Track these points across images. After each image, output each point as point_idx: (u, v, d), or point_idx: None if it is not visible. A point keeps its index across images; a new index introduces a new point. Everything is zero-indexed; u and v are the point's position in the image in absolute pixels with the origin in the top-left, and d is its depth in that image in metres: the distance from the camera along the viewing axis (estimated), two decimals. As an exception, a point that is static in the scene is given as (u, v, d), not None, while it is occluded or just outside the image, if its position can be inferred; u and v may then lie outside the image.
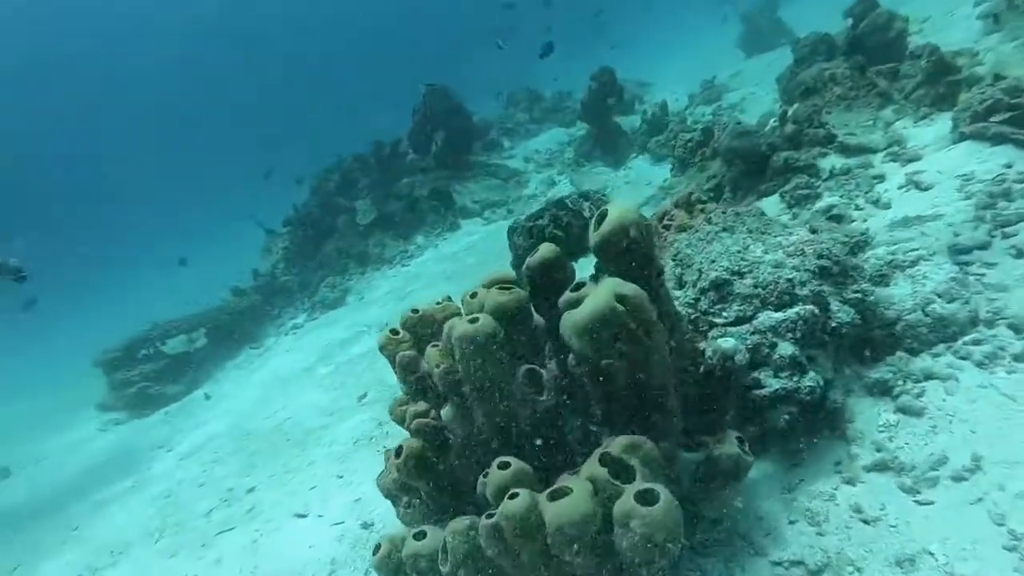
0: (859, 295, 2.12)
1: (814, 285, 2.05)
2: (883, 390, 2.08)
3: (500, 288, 1.64)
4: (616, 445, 1.50)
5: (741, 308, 2.04)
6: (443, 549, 1.53)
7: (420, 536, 1.62)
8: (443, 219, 8.38)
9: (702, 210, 2.53)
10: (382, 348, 1.89)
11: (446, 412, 1.75)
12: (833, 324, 2.04)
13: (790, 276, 2.03)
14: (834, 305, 2.07)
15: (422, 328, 1.89)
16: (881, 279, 2.32)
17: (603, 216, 1.70)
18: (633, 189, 6.10)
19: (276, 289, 9.00)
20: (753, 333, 1.99)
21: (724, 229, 2.28)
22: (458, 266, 6.74)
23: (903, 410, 2.01)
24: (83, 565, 3.89)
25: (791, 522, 1.88)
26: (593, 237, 1.72)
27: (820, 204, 3.05)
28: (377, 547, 1.72)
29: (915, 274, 2.29)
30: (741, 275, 2.08)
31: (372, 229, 8.85)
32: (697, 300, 2.11)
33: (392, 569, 1.68)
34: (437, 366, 1.69)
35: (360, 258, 8.63)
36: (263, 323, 8.53)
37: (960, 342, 2.11)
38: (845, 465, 1.97)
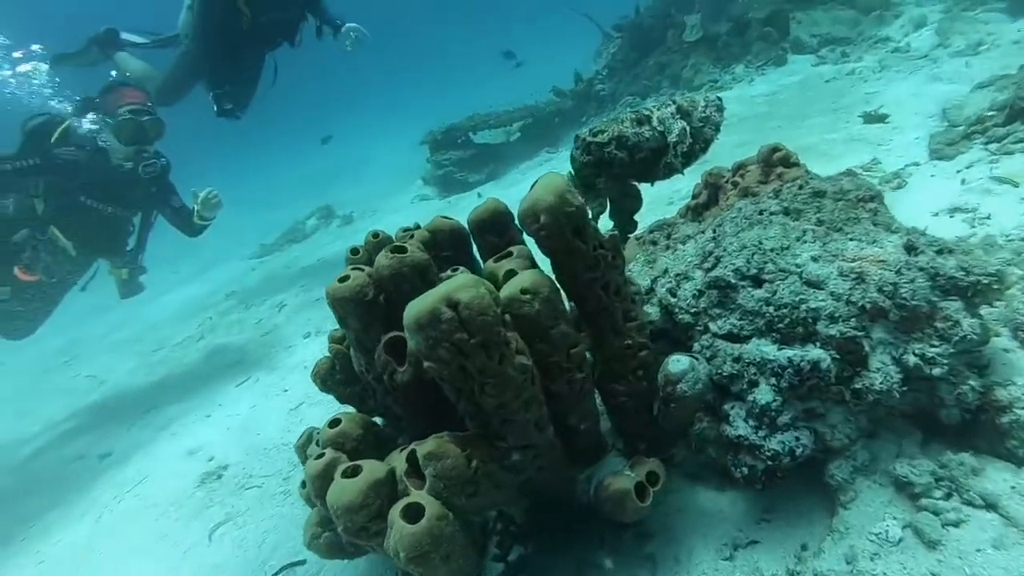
0: (936, 352, 1.47)
1: (852, 327, 1.47)
2: (909, 490, 1.50)
3: (395, 247, 1.52)
4: (424, 446, 1.40)
5: (738, 323, 1.58)
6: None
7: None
8: (770, 49, 7.24)
9: (780, 175, 1.84)
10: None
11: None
12: (859, 385, 1.48)
13: (818, 305, 1.48)
14: (875, 361, 1.48)
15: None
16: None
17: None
18: None
19: (590, 96, 8.99)
20: (736, 360, 1.56)
21: (786, 212, 1.67)
22: (747, 112, 5.91)
23: (915, 530, 1.44)
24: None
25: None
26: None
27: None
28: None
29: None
30: (757, 282, 1.57)
31: (695, 48, 8.09)
32: (699, 295, 1.68)
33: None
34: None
35: (673, 79, 8.06)
36: (569, 128, 8.72)
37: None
38: (804, 556, 1.54)
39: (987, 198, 2.66)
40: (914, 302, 1.43)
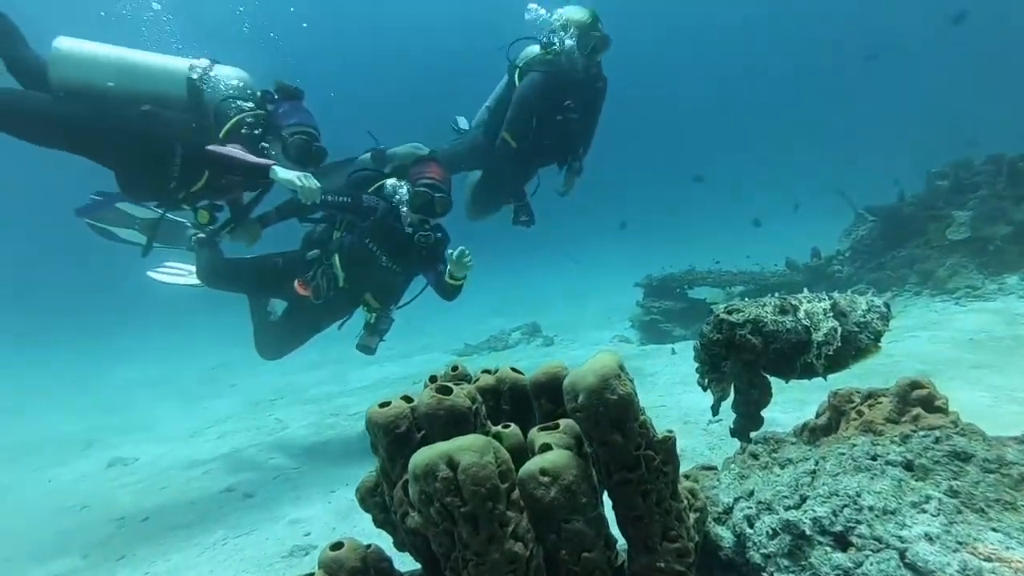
0: None
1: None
2: None
3: (440, 387, 1.50)
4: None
5: (805, 587, 1.29)
6: None
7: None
8: (1054, 265, 6.26)
9: (915, 418, 1.46)
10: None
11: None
12: None
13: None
14: None
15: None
16: None
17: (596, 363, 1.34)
18: None
19: (824, 275, 8.41)
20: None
21: (908, 466, 1.35)
22: (1004, 331, 5.07)
23: None
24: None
25: None
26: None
27: None
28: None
29: None
30: (841, 542, 1.28)
31: (959, 247, 7.26)
32: (773, 535, 1.41)
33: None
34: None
35: (924, 276, 7.27)
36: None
37: None
38: None
39: None
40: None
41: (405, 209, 4.97)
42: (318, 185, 4.42)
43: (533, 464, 1.28)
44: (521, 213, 6.60)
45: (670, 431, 1.38)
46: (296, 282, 4.99)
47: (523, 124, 6.04)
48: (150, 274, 5.48)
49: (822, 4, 34.39)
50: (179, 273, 5.50)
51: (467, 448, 1.22)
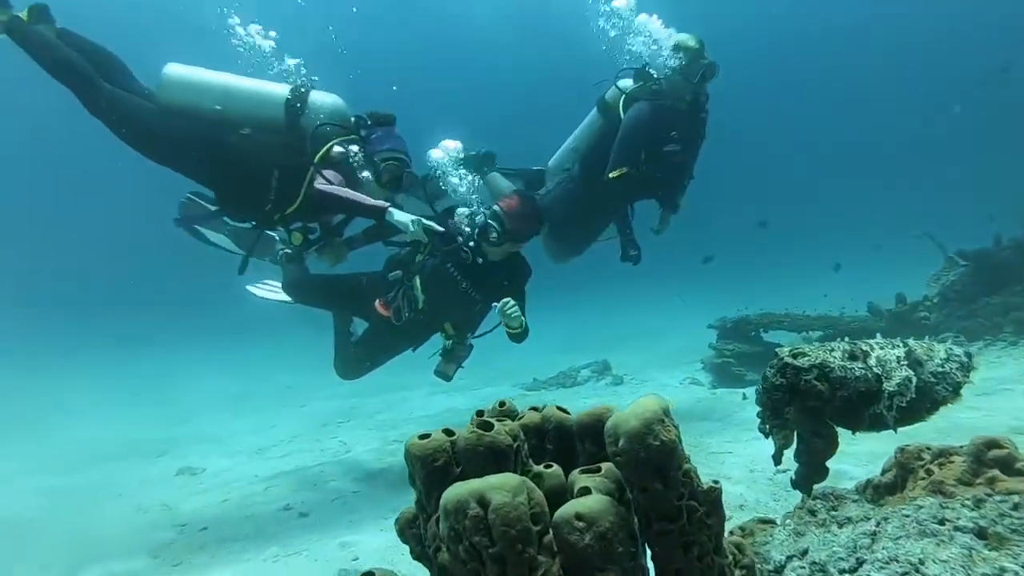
0: None
1: None
2: None
3: (482, 423, 1.48)
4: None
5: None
6: None
7: None
8: None
9: (991, 480, 1.31)
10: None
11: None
12: None
13: None
14: None
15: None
16: None
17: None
18: None
19: (909, 322, 7.98)
20: None
21: (980, 533, 1.23)
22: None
23: None
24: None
25: None
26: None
27: None
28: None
29: None
30: (897, 617, 1.19)
31: (1062, 296, 6.78)
32: (823, 600, 1.32)
33: None
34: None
35: (1020, 324, 6.81)
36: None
37: None
38: None
39: None
40: None
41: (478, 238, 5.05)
42: (429, 230, 4.63)
43: (569, 508, 1.25)
44: (629, 248, 6.36)
45: (716, 481, 1.32)
46: (377, 302, 5.06)
47: (633, 157, 5.83)
48: (248, 288, 5.72)
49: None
50: (274, 290, 5.72)
51: (500, 487, 1.19)
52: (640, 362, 11.05)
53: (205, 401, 10.52)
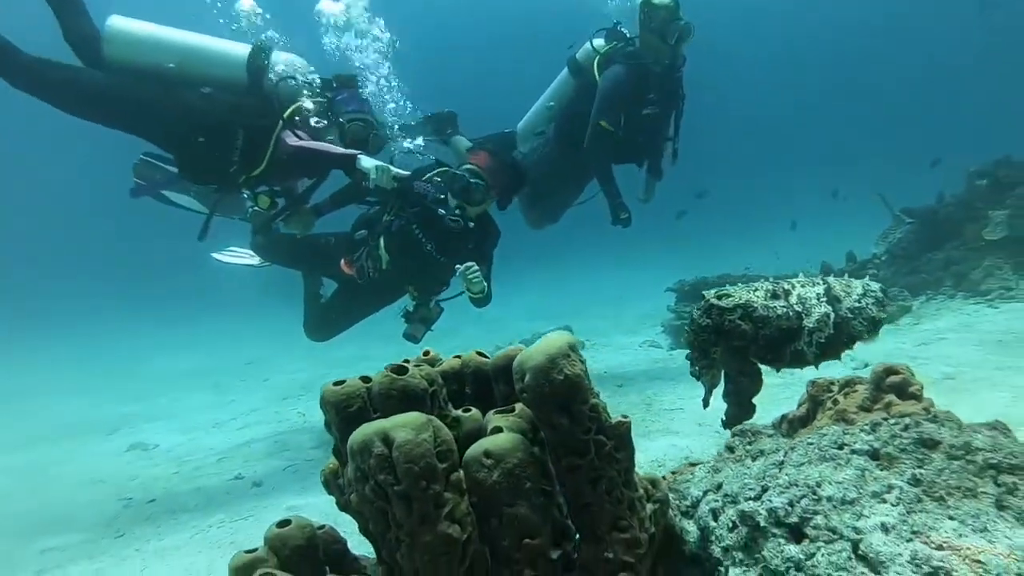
0: None
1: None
2: None
3: (396, 367, 1.47)
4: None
5: (758, 579, 1.24)
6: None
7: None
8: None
9: (888, 405, 1.37)
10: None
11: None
12: None
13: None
14: None
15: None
16: None
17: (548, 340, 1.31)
18: None
19: (858, 279, 8.16)
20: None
21: (874, 454, 1.27)
22: (1021, 336, 4.85)
23: None
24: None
25: None
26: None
27: None
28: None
29: None
30: (795, 534, 1.22)
31: (996, 248, 6.99)
32: (733, 527, 1.35)
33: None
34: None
35: (958, 278, 7.02)
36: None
37: None
38: None
39: None
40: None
41: (448, 195, 4.91)
42: (394, 174, 4.47)
43: (478, 446, 1.25)
44: (620, 211, 5.97)
45: (625, 416, 1.33)
46: (343, 260, 5.01)
47: (614, 119, 5.72)
48: (214, 256, 5.58)
49: None
50: (240, 255, 5.59)
51: (404, 425, 1.19)
52: (604, 327, 11.13)
53: (165, 377, 10.35)
